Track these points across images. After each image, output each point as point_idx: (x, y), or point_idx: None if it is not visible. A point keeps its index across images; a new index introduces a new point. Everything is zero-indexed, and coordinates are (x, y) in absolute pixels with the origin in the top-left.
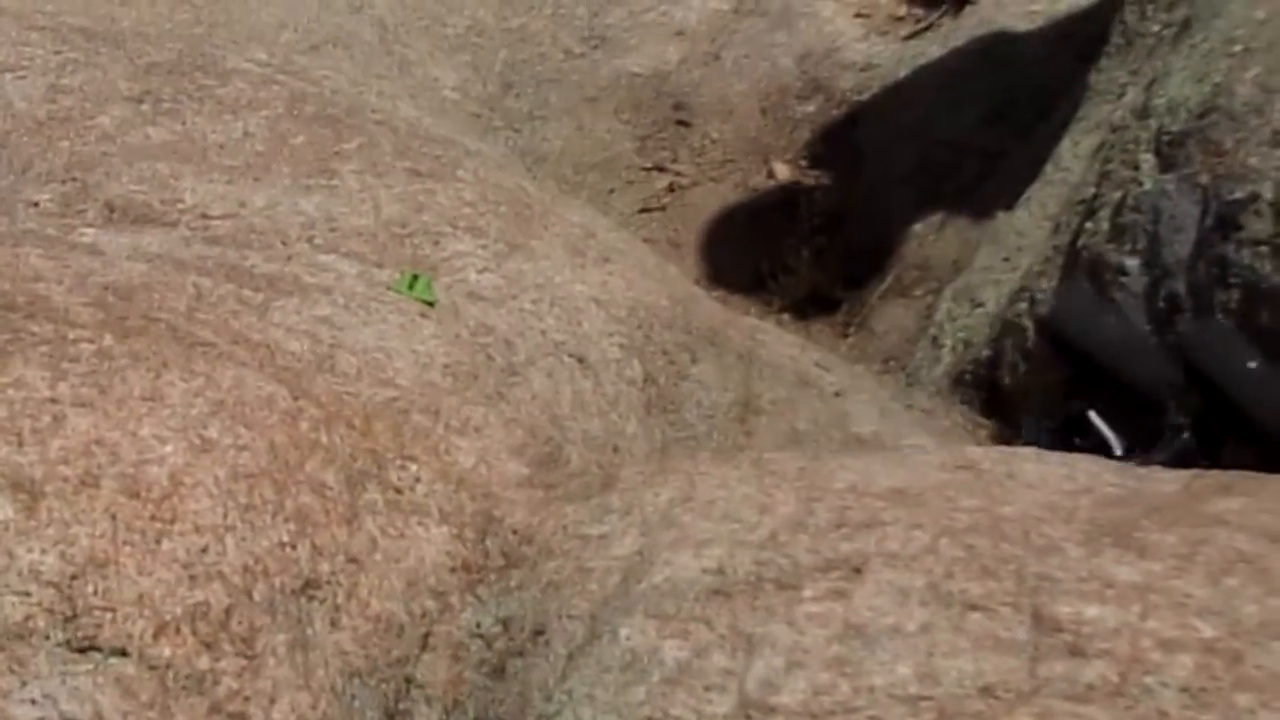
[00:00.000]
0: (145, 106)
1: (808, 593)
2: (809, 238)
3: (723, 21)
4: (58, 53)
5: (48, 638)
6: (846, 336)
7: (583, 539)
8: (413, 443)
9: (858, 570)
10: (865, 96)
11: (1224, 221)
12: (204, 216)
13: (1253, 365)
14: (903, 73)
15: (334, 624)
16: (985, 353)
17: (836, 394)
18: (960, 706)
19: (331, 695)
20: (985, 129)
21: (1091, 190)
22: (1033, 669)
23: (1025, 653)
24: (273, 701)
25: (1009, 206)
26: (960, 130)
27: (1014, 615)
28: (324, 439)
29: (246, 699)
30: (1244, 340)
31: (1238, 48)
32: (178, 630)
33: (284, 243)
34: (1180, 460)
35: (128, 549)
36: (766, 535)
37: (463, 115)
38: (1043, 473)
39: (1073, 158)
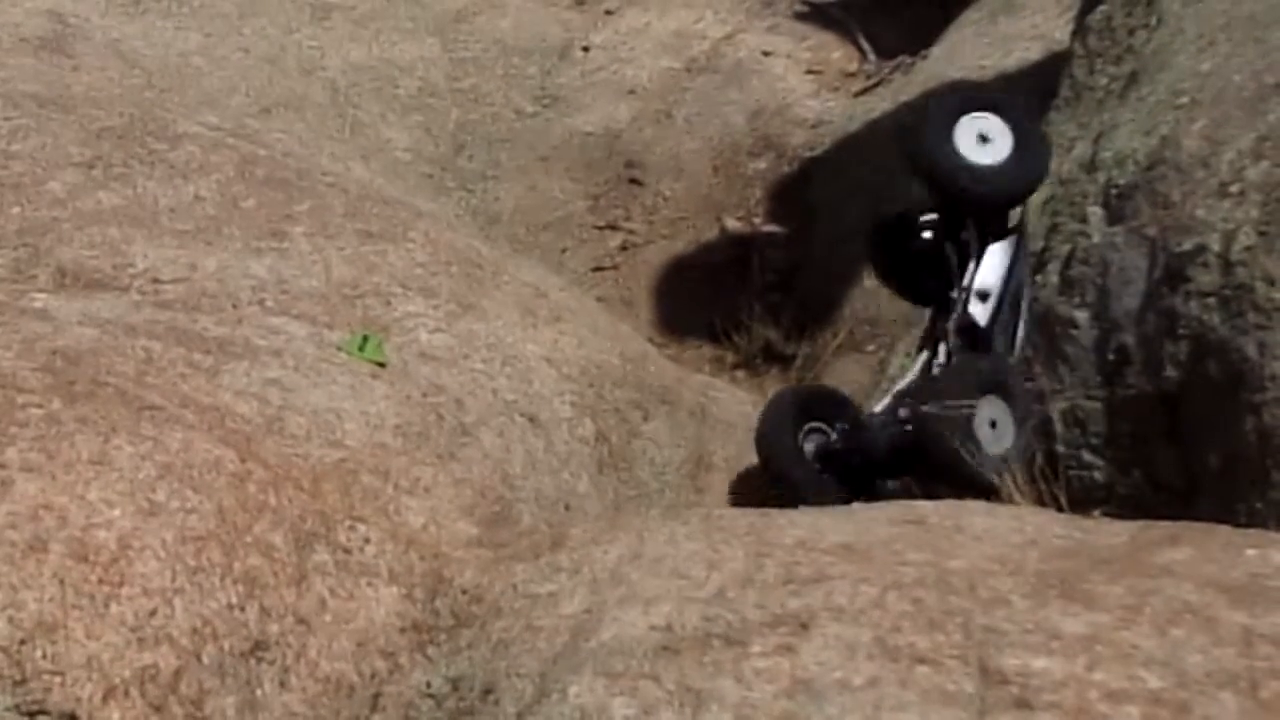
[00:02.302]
0: (96, 171)
1: (755, 648)
2: (762, 294)
3: (674, 79)
4: (8, 119)
5: None
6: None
7: (532, 598)
8: (362, 503)
9: (805, 625)
10: (817, 153)
11: (1172, 274)
12: (155, 281)
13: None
14: (854, 128)
15: (283, 685)
16: None
17: None
18: None
19: None
20: None
21: (1040, 243)
22: None
23: (973, 705)
24: None
25: None
26: (911, 186)
27: (961, 668)
28: (272, 500)
29: None
30: None
31: (1184, 100)
32: (126, 694)
33: (235, 306)
34: None
35: (76, 613)
36: (714, 591)
37: (415, 176)
38: (991, 525)
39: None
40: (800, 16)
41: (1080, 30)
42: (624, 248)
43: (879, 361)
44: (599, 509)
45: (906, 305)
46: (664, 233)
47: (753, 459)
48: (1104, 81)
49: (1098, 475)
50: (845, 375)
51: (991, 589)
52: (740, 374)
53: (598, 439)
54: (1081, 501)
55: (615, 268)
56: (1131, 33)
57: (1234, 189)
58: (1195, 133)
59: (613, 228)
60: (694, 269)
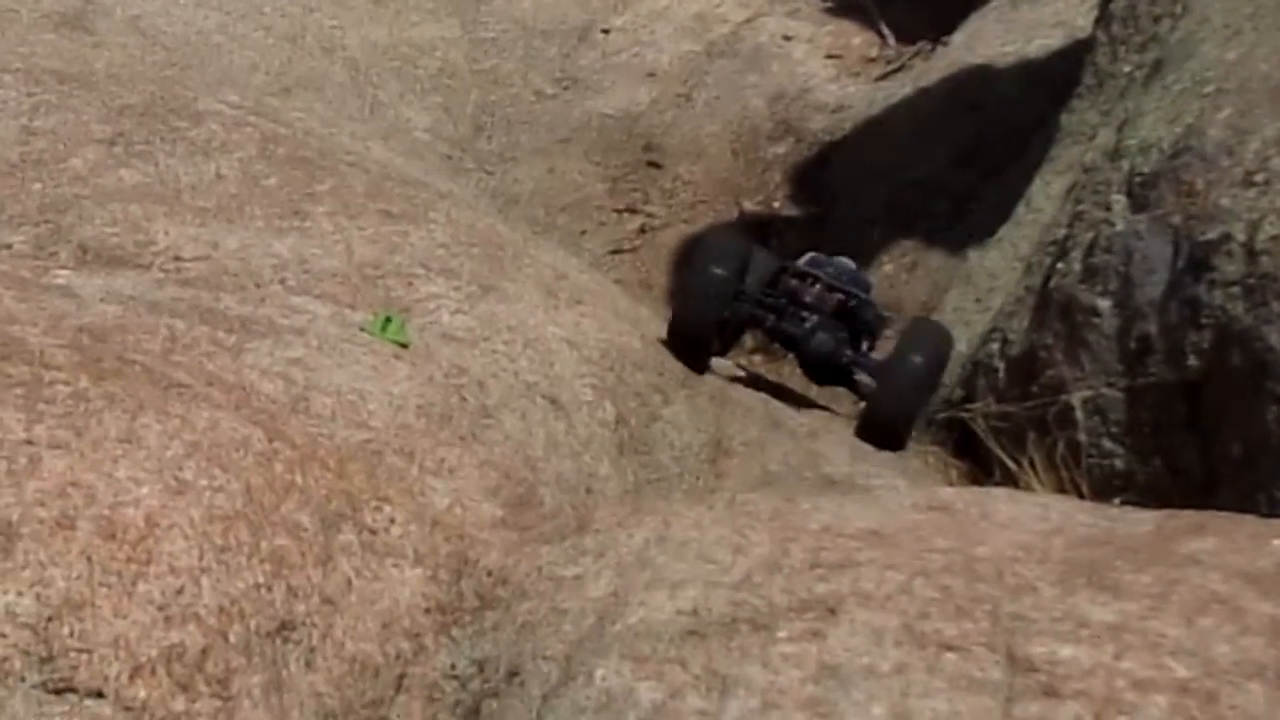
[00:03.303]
0: (118, 149)
1: (782, 633)
2: None
3: (695, 63)
4: (31, 95)
5: (24, 679)
6: None
7: (557, 580)
8: (387, 484)
9: (832, 611)
10: (836, 137)
11: (1196, 262)
12: (177, 259)
13: None
14: (874, 114)
15: (309, 665)
16: (957, 392)
17: (808, 435)
18: None
19: None
20: (956, 170)
21: (1063, 231)
22: (1007, 709)
23: (1000, 693)
24: None
25: (980, 247)
26: (931, 171)
27: (988, 655)
28: (299, 480)
29: None
30: None
31: (1210, 89)
32: (153, 672)
33: (257, 285)
34: None
35: (104, 591)
36: (741, 576)
37: (434, 157)
38: (1016, 513)
39: (1044, 199)
40: (821, 1)
41: (1103, 17)
42: (642, 230)
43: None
44: (619, 492)
45: (925, 291)
46: (683, 216)
47: (774, 443)
48: (1128, 69)
49: (1118, 463)
50: None
51: (1019, 576)
52: (757, 359)
53: (618, 422)
54: (1101, 489)
55: (634, 250)
56: (1156, 20)
57: (1259, 178)
58: (1220, 121)
59: (631, 210)
60: None
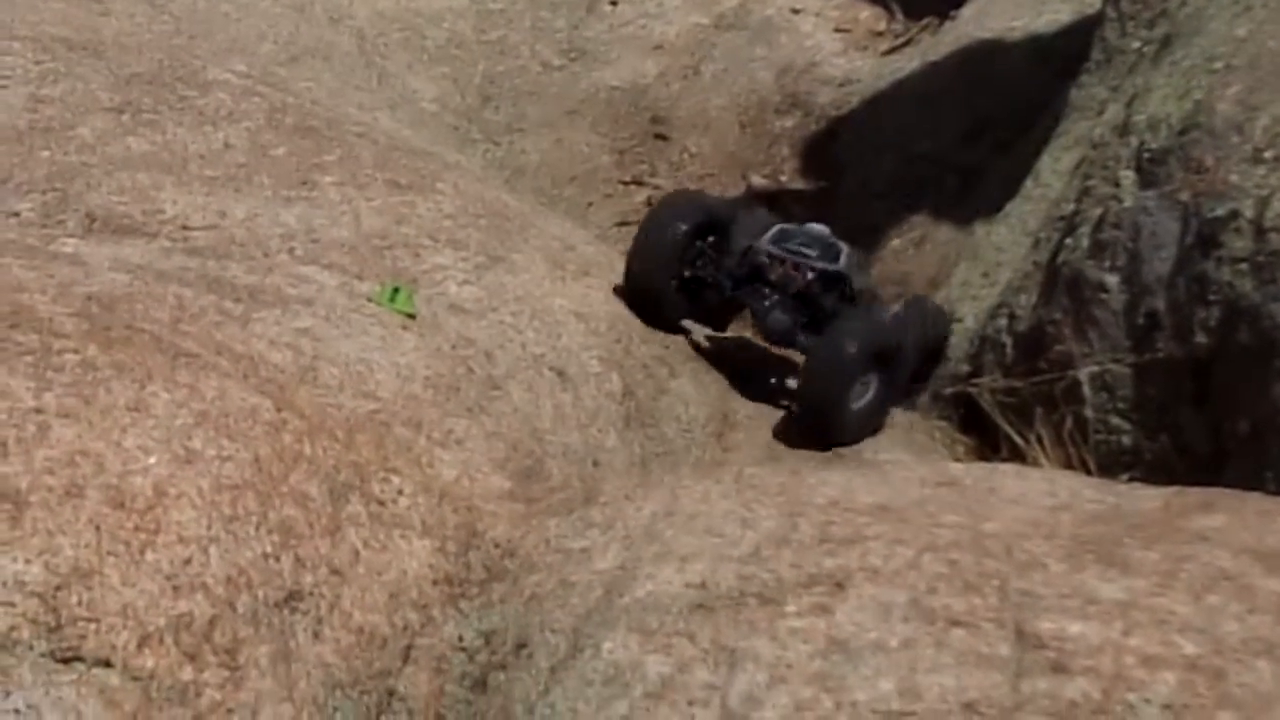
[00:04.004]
0: (126, 117)
1: (790, 608)
2: None
3: (702, 35)
4: (39, 63)
5: (31, 648)
6: None
7: (565, 553)
8: (395, 455)
9: (840, 585)
10: (844, 111)
11: (1204, 239)
12: (184, 227)
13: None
14: (882, 88)
15: (317, 636)
16: (964, 368)
17: None
18: None
19: (314, 707)
20: (964, 145)
21: (1071, 207)
22: (1015, 685)
23: (1008, 668)
24: (255, 713)
25: (988, 222)
26: (939, 145)
27: (997, 631)
28: (307, 450)
29: (229, 711)
30: None
31: (1219, 65)
32: (161, 641)
33: (265, 254)
34: None
35: (112, 559)
36: (749, 550)
37: (442, 127)
38: (1024, 488)
39: (1052, 174)
40: None
41: None
42: (649, 203)
43: None
44: (626, 465)
45: (933, 265)
46: (690, 188)
47: (776, 416)
48: (1136, 45)
49: (1125, 440)
50: None
51: (1027, 552)
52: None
53: (625, 394)
54: (1108, 466)
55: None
56: None
57: (1268, 155)
58: (1229, 97)
59: (638, 183)
60: None
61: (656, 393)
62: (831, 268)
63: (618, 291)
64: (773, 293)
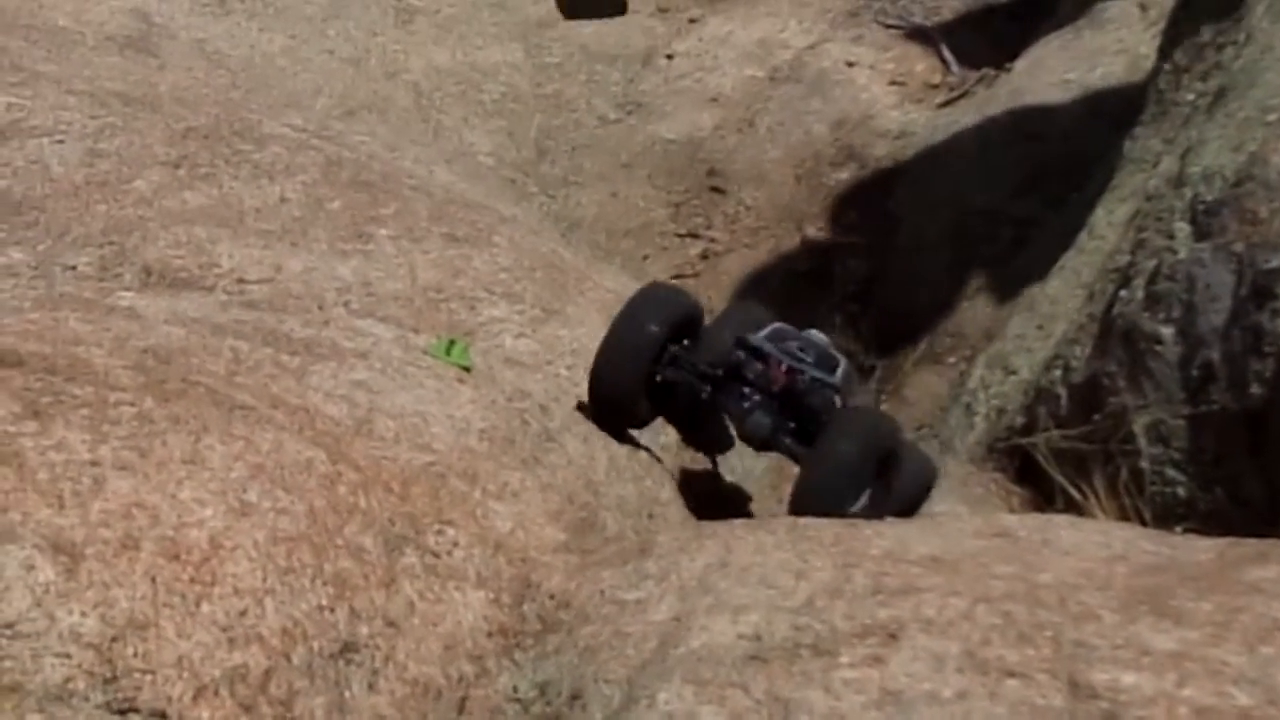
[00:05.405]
0: (182, 171)
1: (844, 659)
2: (842, 304)
3: (757, 88)
4: (95, 117)
5: (87, 699)
6: (880, 404)
7: (619, 604)
8: (450, 507)
9: (894, 636)
10: (899, 164)
11: (1259, 290)
12: (241, 281)
13: None
14: (937, 140)
15: (372, 687)
16: (1019, 420)
17: None
18: None
19: None
20: (1019, 197)
21: (1126, 258)
22: None
23: None
24: None
25: (1042, 274)
26: (994, 198)
27: (1050, 682)
28: (362, 503)
29: None
30: None
31: (1273, 116)
32: (216, 693)
33: (320, 307)
34: None
35: (167, 611)
36: (803, 601)
37: (497, 180)
38: (1078, 540)
39: (1107, 226)
40: (885, 27)
41: (1167, 45)
42: (705, 256)
43: (959, 374)
44: (681, 517)
45: (988, 317)
46: (745, 241)
47: None
48: (1191, 97)
49: (1180, 491)
50: (925, 387)
51: (1081, 603)
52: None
53: (680, 447)
54: (1163, 517)
55: (696, 275)
56: (1219, 48)
57: None
58: None
59: (694, 235)
60: (774, 278)
61: None
62: (829, 379)
63: None
64: (753, 392)
